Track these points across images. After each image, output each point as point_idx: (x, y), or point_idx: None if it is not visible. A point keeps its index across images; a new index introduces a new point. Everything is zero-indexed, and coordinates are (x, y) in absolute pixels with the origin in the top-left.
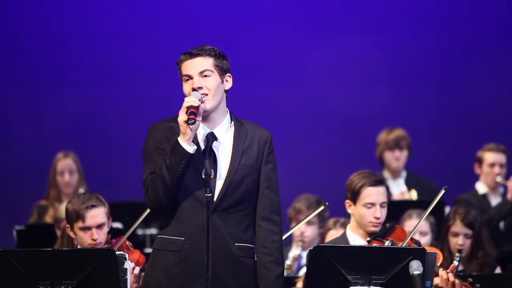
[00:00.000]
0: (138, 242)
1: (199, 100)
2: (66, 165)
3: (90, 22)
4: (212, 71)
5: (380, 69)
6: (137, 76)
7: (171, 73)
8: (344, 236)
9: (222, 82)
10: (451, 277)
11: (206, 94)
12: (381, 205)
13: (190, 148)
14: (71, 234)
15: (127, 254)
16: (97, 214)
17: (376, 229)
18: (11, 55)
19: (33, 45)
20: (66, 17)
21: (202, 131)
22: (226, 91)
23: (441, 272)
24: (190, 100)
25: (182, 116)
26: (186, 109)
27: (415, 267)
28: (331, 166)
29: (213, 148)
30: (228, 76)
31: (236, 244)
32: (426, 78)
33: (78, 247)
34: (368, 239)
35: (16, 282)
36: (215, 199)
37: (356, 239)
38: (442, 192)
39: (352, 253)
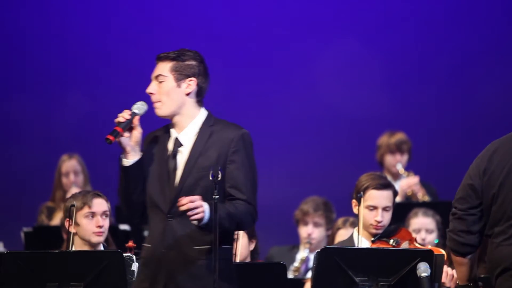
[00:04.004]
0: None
1: (133, 114)
2: (70, 167)
3: (96, 24)
4: (166, 76)
5: (380, 72)
6: (143, 78)
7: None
8: (351, 238)
9: (179, 86)
10: (450, 270)
11: (159, 101)
12: (384, 209)
13: (126, 161)
14: (71, 229)
15: (134, 256)
16: (102, 203)
17: (378, 231)
18: (16, 58)
19: (38, 47)
20: (71, 19)
21: (173, 136)
22: (189, 95)
23: (445, 267)
24: (120, 115)
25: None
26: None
27: (423, 269)
28: (335, 168)
29: (178, 153)
30: (191, 80)
31: (195, 247)
32: (427, 81)
33: (73, 248)
34: (372, 239)
35: (24, 284)
36: (170, 204)
37: (362, 240)
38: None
39: (359, 255)
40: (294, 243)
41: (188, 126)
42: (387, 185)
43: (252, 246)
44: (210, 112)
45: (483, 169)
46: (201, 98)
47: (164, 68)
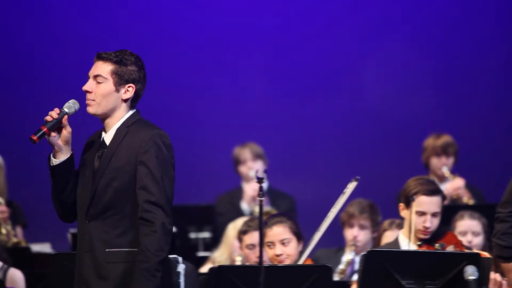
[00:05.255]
0: (190, 246)
1: (61, 113)
2: None
3: (121, 29)
4: (106, 78)
5: (427, 73)
6: (162, 79)
7: (199, 77)
8: (396, 241)
9: (118, 91)
10: (498, 277)
11: (94, 100)
12: (433, 215)
13: (53, 161)
14: None
15: (180, 258)
16: None
17: (426, 237)
18: (57, 61)
19: (80, 51)
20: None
21: (101, 137)
22: (125, 100)
23: (493, 274)
24: (49, 114)
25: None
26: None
27: (470, 272)
28: (381, 170)
29: (103, 154)
30: (130, 86)
31: (107, 250)
32: (475, 83)
33: None
34: (419, 243)
35: (70, 285)
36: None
37: (408, 243)
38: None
39: (405, 258)
40: (340, 246)
41: (112, 128)
42: (436, 191)
43: (300, 247)
44: (138, 112)
45: None
46: (135, 103)
47: (104, 69)
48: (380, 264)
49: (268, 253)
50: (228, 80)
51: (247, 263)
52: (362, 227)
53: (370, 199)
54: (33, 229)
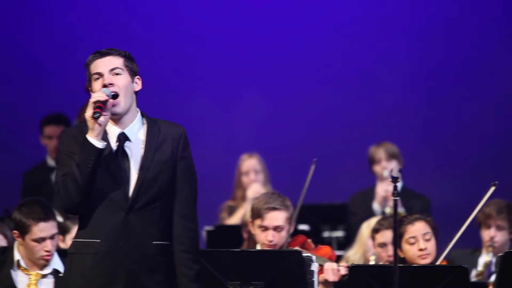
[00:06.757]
0: (324, 244)
1: (107, 96)
2: (251, 166)
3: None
4: (123, 70)
5: None
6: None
7: (337, 76)
8: None
9: (132, 82)
10: None
11: (118, 94)
12: None
13: (99, 144)
14: (252, 229)
15: (314, 257)
16: (277, 217)
17: None
18: (197, 59)
19: (218, 50)
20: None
21: (114, 132)
22: (136, 93)
23: None
24: (97, 95)
25: (89, 112)
26: (93, 104)
27: None
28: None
29: (125, 148)
30: (138, 78)
31: (154, 242)
32: None
33: (258, 247)
34: None
35: (206, 282)
36: (129, 198)
37: None
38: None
39: None
40: (476, 247)
41: (133, 122)
42: None
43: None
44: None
45: None
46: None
47: (118, 62)
48: None
49: (409, 250)
50: (366, 79)
51: (380, 262)
52: (499, 228)
53: (508, 200)
54: None
